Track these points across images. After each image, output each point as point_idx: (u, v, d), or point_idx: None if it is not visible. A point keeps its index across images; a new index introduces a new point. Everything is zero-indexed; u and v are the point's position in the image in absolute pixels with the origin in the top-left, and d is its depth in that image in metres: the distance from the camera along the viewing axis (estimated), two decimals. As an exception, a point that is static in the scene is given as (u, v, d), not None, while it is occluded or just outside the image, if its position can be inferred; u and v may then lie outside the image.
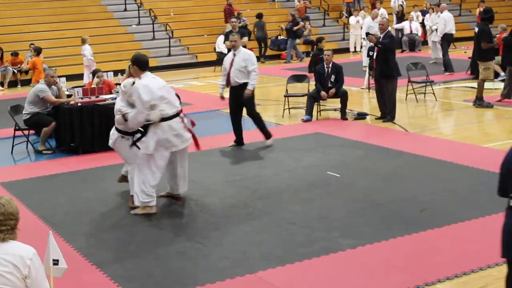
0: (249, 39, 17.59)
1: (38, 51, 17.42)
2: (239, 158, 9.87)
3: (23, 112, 10.91)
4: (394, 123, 11.77)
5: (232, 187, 8.37)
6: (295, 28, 22.98)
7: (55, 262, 3.94)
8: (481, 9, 17.77)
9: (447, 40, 18.23)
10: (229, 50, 15.25)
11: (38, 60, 17.15)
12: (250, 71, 10.11)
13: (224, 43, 15.67)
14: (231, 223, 7.10)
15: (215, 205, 7.70)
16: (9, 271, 3.44)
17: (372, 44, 12.57)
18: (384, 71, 11.78)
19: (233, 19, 15.18)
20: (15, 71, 19.34)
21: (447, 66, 17.49)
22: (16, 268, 3.46)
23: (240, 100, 10.27)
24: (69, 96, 11.39)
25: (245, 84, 10.16)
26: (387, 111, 11.95)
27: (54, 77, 11.00)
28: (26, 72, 19.24)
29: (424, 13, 24.06)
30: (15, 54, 19.45)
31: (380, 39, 11.80)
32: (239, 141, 10.55)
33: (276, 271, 5.79)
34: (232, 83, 10.27)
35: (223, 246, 6.41)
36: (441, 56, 18.28)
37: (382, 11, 21.85)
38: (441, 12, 18.59)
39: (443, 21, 18.09)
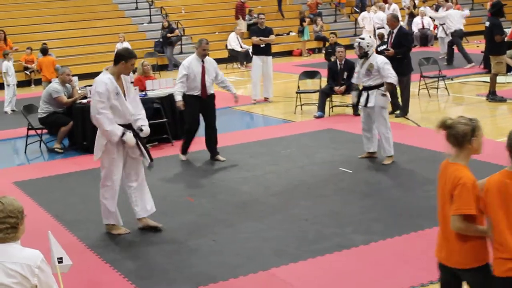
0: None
1: (43, 52, 17.40)
2: (251, 155, 9.85)
3: (39, 111, 10.92)
4: (407, 118, 11.71)
5: (244, 183, 8.36)
6: (170, 35, 21.38)
7: (60, 260, 3.94)
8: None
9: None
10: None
11: (43, 60, 17.05)
12: (224, 80, 9.65)
13: (251, 38, 15.10)
14: (243, 220, 7.09)
15: (227, 202, 7.70)
16: (17, 282, 3.31)
17: (379, 41, 12.42)
18: (399, 67, 11.62)
19: (261, 16, 14.92)
20: (28, 72, 19.40)
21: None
22: (25, 278, 3.32)
23: (213, 111, 9.57)
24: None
25: (213, 94, 9.52)
26: (400, 106, 11.89)
27: (69, 75, 11.04)
28: (38, 71, 19.27)
29: (437, 8, 23.90)
30: (30, 49, 19.53)
31: (392, 40, 11.67)
32: (213, 152, 9.66)
33: (289, 267, 5.79)
34: (208, 93, 9.44)
35: (236, 243, 6.41)
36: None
37: (394, 6, 21.76)
38: (447, 9, 18.89)
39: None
